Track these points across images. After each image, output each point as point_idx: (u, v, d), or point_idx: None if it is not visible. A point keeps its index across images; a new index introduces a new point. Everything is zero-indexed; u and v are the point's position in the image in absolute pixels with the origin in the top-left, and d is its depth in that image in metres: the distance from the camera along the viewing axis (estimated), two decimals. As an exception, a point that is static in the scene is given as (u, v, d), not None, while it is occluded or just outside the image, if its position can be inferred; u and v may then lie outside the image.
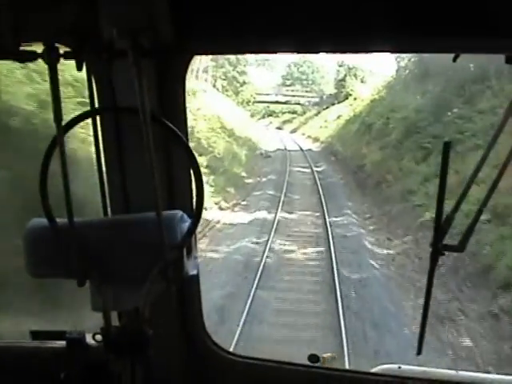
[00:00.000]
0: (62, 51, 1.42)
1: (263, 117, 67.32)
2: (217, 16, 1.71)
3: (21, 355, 2.29)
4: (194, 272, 1.81)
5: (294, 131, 59.49)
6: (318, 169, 30.32)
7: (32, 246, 1.72)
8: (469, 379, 2.19)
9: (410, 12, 1.59)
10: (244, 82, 56.50)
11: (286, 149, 41.38)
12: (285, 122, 65.75)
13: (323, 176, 27.51)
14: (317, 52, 1.98)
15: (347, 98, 47.13)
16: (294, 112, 64.39)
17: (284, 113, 66.92)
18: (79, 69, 1.47)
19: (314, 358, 2.30)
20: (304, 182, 26.63)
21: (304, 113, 61.26)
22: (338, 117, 42.46)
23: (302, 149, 41.39)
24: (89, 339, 1.92)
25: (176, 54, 1.81)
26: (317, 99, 59.16)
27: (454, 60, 1.70)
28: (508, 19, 1.52)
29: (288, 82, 64.08)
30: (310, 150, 40.85)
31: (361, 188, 22.99)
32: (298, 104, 61.73)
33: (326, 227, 17.02)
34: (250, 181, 25.98)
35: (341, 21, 1.65)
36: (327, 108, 52.62)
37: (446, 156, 1.67)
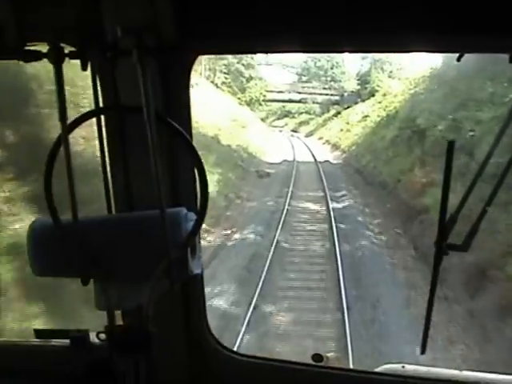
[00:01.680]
0: (66, 51, 1.48)
1: (278, 118, 65.55)
2: (221, 15, 1.77)
3: (25, 354, 2.36)
4: (198, 271, 1.86)
5: (309, 135, 53.45)
6: (339, 205, 18.91)
7: (36, 245, 1.78)
8: (473, 379, 2.23)
9: (412, 10, 1.65)
10: (251, 77, 52.03)
11: (295, 160, 32.44)
12: (301, 123, 61.99)
13: (348, 226, 15.69)
14: (322, 51, 2.01)
15: (373, 95, 42.62)
16: (312, 112, 59.84)
17: (301, 113, 63.03)
18: (84, 68, 1.52)
19: (317, 357, 2.35)
20: (310, 245, 14.07)
21: (322, 113, 56.37)
22: (364, 118, 36.64)
23: (316, 160, 32.16)
24: (93, 338, 2.01)
25: (180, 54, 1.88)
26: (337, 97, 53.56)
27: (458, 59, 1.76)
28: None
29: (304, 79, 57.86)
30: (327, 162, 31.73)
31: (428, 267, 10.03)
32: (315, 103, 56.24)
33: None
34: (207, 241, 13.86)
35: (342, 18, 1.71)
36: (349, 107, 47.17)
37: (450, 155, 1.75)
